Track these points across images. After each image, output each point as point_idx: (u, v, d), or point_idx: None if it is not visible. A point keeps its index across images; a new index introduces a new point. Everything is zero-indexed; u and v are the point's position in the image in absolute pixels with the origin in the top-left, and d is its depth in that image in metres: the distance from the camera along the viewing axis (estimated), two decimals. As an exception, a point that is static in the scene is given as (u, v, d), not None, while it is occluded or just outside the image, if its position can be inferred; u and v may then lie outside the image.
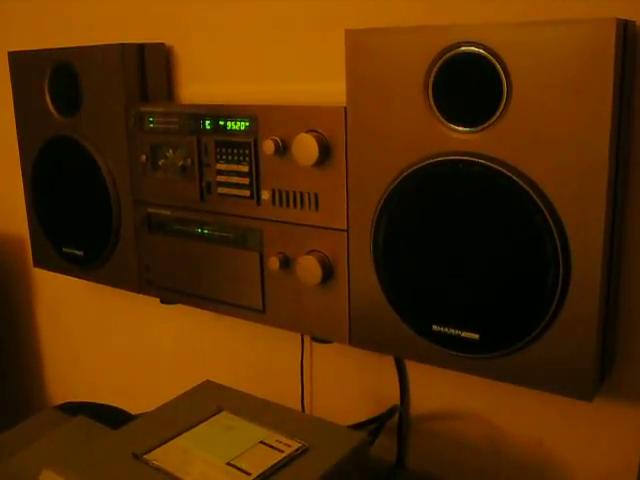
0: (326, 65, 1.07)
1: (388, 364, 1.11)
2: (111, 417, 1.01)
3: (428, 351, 0.93)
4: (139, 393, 1.46)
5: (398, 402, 1.11)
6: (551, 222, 0.80)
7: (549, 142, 0.79)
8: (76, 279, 1.38)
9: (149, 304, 1.34)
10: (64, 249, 1.34)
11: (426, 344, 0.93)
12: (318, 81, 1.08)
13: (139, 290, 1.25)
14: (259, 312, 1.09)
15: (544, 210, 0.80)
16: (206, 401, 0.88)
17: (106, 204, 1.24)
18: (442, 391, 1.09)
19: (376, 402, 1.15)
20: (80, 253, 1.32)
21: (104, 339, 1.58)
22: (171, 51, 1.24)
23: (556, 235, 0.80)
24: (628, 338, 0.91)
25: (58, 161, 1.31)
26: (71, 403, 1.07)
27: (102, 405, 1.08)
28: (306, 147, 0.95)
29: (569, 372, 0.84)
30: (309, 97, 1.09)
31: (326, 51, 1.06)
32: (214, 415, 0.84)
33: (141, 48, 1.19)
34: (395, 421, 1.11)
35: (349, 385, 1.18)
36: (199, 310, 1.20)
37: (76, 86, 1.23)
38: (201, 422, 0.82)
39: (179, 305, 1.24)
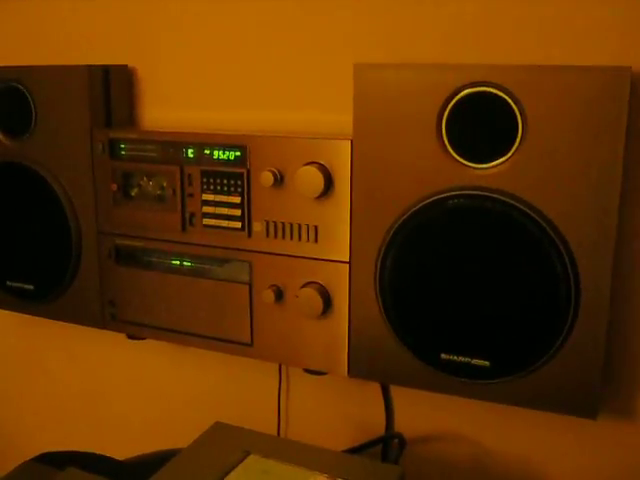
0: (318, 94, 1.07)
1: (370, 388, 1.12)
2: (100, 466, 0.95)
3: (436, 379, 0.95)
4: (110, 436, 1.39)
5: (383, 427, 1.13)
6: (564, 254, 0.85)
7: (562, 180, 0.84)
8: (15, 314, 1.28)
9: (108, 341, 1.28)
10: (9, 283, 1.25)
11: (434, 373, 0.95)
12: (307, 110, 1.08)
13: (102, 325, 1.19)
14: (247, 345, 1.07)
15: (558, 244, 0.85)
16: (227, 445, 0.85)
17: (64, 235, 1.17)
18: (427, 413, 1.11)
19: (358, 428, 1.16)
20: (30, 287, 1.23)
21: (56, 378, 1.48)
22: (134, 74, 1.19)
23: (569, 266, 0.85)
24: (620, 356, 0.97)
25: (3, 188, 1.21)
26: (49, 454, 0.99)
27: (85, 454, 1.01)
28: (312, 180, 0.95)
29: (576, 392, 0.89)
30: (294, 126, 1.08)
31: (316, 79, 1.06)
32: (243, 460, 0.81)
33: (106, 70, 1.13)
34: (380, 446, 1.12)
35: (328, 411, 1.19)
36: (162, 343, 1.16)
37: (27, 108, 1.15)
38: (232, 469, 0.79)
39: (143, 341, 1.19)
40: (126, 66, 1.18)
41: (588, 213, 0.84)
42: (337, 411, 1.18)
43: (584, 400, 0.89)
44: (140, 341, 1.21)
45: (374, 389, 1.12)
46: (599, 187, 0.83)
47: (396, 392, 1.12)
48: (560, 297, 0.86)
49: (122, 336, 1.20)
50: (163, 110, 1.19)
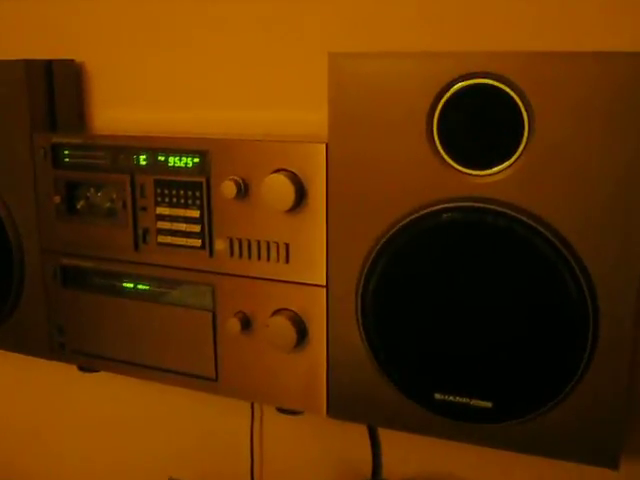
0: (289, 90, 0.92)
1: (355, 428, 0.98)
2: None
3: (429, 422, 0.81)
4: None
5: (370, 472, 0.99)
6: (581, 278, 0.71)
7: (578, 188, 0.70)
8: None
9: (57, 372, 1.13)
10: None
11: (427, 414, 0.81)
12: (277, 109, 0.94)
13: (50, 356, 1.04)
14: (211, 380, 0.93)
15: (573, 265, 0.71)
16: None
17: (4, 253, 1.02)
18: (420, 456, 0.98)
19: (342, 473, 1.02)
20: (-33, 313, 1.08)
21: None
22: (82, 69, 1.05)
23: (586, 291, 0.71)
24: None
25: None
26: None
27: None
28: (281, 190, 0.81)
29: (594, 437, 0.76)
30: (262, 127, 0.94)
31: (287, 73, 0.92)
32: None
33: (49, 65, 0.99)
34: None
35: (307, 454, 1.05)
36: (118, 376, 1.02)
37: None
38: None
39: (96, 373, 1.05)
40: (72, 61, 1.04)
41: (609, 228, 0.70)
42: (318, 454, 1.04)
43: (603, 447, 0.76)
44: (93, 373, 1.06)
45: (359, 428, 0.98)
46: (622, 196, 0.69)
47: (385, 431, 0.98)
48: (576, 327, 0.72)
49: (73, 367, 1.05)
50: (115, 111, 1.04)
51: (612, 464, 0.75)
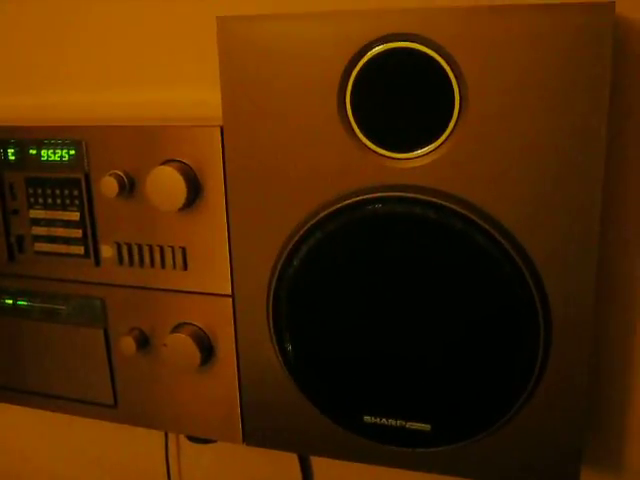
0: (179, 65, 0.78)
1: (282, 453, 0.86)
2: None
3: (359, 447, 0.70)
4: None
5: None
6: (526, 273, 0.60)
7: (520, 170, 0.59)
8: None
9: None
10: None
11: (356, 439, 0.69)
12: (165, 88, 0.79)
13: None
14: (110, 407, 0.80)
15: (516, 260, 0.60)
16: None
17: None
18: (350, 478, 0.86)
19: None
20: None
21: None
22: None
23: (533, 289, 0.60)
24: (604, 400, 0.74)
25: None
26: None
27: None
28: (169, 185, 0.67)
29: (550, 455, 0.65)
30: (155, 112, 0.80)
31: (176, 44, 0.78)
32: None
33: None
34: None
35: None
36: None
37: None
38: None
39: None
40: None
41: (558, 215, 0.59)
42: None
43: (560, 468, 0.65)
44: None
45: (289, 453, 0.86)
46: (569, 177, 0.58)
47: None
48: (523, 331, 0.61)
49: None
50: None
51: (571, 486, 0.65)
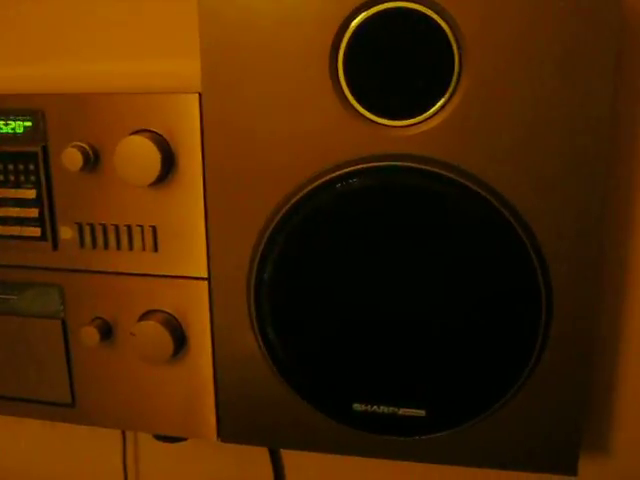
0: (151, 32, 0.73)
1: (253, 449, 0.81)
2: None
3: (348, 439, 0.66)
4: None
5: (272, 496, 0.82)
6: (532, 253, 0.57)
7: (524, 141, 0.56)
8: None
9: None
10: None
11: (344, 430, 0.65)
12: (136, 57, 0.73)
13: None
14: (67, 407, 0.73)
15: (523, 238, 0.57)
16: None
17: None
18: (328, 476, 0.82)
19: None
20: None
21: None
22: None
23: (539, 270, 0.57)
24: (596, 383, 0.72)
25: None
26: None
27: None
28: (141, 157, 0.61)
29: (548, 442, 0.63)
30: (117, 82, 0.74)
31: (150, 8, 0.72)
32: None
33: None
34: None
35: None
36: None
37: None
38: None
39: None
40: None
41: (562, 188, 0.56)
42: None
43: (559, 453, 0.63)
44: None
45: (259, 450, 0.81)
46: (577, 148, 0.56)
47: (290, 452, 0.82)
48: (523, 312, 0.59)
49: None
50: None
51: (570, 470, 0.63)
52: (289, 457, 0.82)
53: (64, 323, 0.70)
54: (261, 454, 0.81)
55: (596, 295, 0.59)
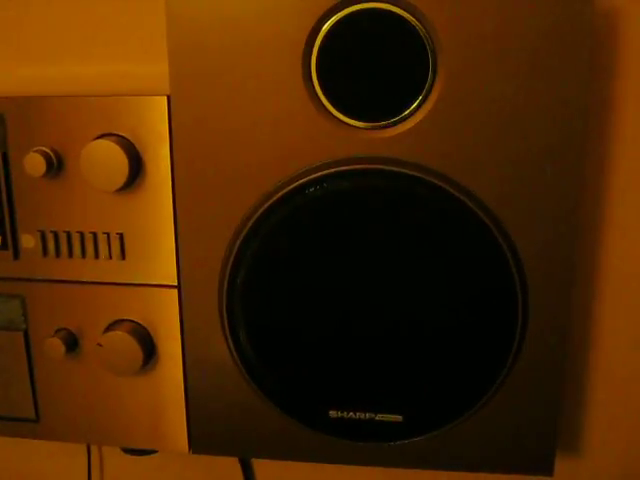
0: (117, 34, 0.71)
1: (223, 461, 0.79)
2: None
3: (323, 446, 0.65)
4: None
5: (243, 507, 0.80)
6: (510, 258, 0.57)
7: (499, 142, 0.56)
8: None
9: None
10: None
11: (320, 437, 0.64)
12: (103, 62, 0.71)
13: None
14: (31, 422, 0.70)
15: (499, 240, 0.57)
16: None
17: None
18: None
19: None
20: None
21: None
22: None
23: (515, 273, 0.57)
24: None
25: None
26: None
27: None
28: (107, 162, 0.60)
29: (525, 443, 0.63)
30: (87, 87, 0.72)
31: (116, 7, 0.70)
32: None
33: None
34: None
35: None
36: None
37: None
38: None
39: None
40: None
41: (536, 189, 0.57)
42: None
43: (536, 453, 0.63)
44: None
45: (230, 461, 0.79)
46: (553, 149, 0.56)
47: (261, 462, 0.80)
48: (500, 313, 0.59)
49: None
50: None
51: (546, 470, 0.63)
52: (260, 467, 0.80)
53: (26, 335, 0.68)
54: (232, 465, 0.79)
55: (569, 294, 0.59)
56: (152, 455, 0.75)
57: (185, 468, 0.82)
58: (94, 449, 0.81)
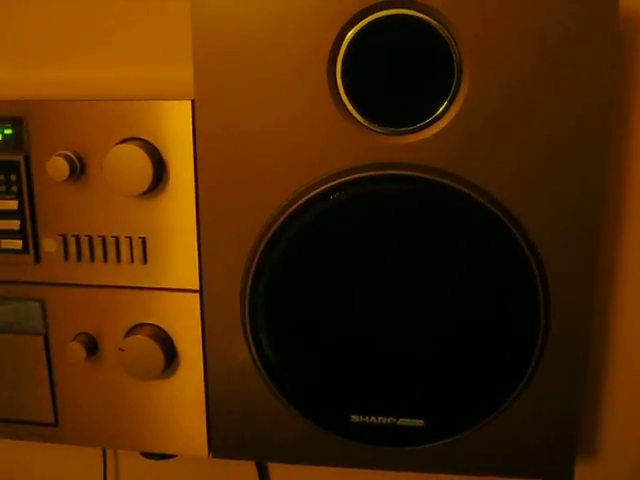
0: (144, 39, 0.71)
1: (240, 465, 0.79)
2: None
3: (344, 451, 0.65)
4: None
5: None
6: (533, 265, 0.57)
7: (522, 145, 0.56)
8: None
9: None
10: None
11: (341, 442, 0.64)
12: (128, 63, 0.71)
13: None
14: (50, 426, 0.70)
15: (525, 250, 0.57)
16: None
17: None
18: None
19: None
20: None
21: None
22: None
23: (539, 283, 0.57)
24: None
25: None
26: None
27: None
28: (131, 166, 0.60)
29: (543, 449, 0.63)
30: (113, 90, 0.72)
31: (141, 10, 0.70)
32: None
33: None
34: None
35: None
36: None
37: None
38: None
39: None
40: None
41: (560, 194, 0.57)
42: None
43: (557, 460, 0.63)
44: None
45: (246, 466, 0.79)
46: (577, 155, 0.56)
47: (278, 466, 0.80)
48: (521, 318, 0.59)
49: None
50: None
51: (566, 476, 0.63)
52: (276, 471, 0.80)
53: (46, 339, 0.68)
54: (248, 469, 0.79)
55: (592, 296, 0.59)
56: (168, 460, 0.75)
57: (199, 472, 0.82)
58: (109, 453, 0.81)
